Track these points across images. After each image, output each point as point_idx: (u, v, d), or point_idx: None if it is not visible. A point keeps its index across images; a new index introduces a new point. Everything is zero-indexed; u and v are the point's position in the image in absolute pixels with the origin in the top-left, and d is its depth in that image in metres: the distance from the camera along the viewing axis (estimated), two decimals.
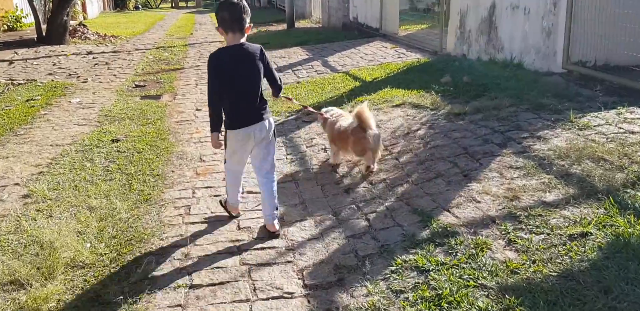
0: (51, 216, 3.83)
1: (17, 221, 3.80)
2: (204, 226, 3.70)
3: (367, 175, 4.23)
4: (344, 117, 4.43)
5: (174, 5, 43.29)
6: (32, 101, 7.55)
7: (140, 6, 37.29)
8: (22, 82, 8.92)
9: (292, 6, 17.18)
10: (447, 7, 9.42)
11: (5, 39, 13.56)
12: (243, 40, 3.31)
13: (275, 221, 3.50)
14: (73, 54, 12.14)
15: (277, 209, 3.53)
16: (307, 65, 9.62)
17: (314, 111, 4.64)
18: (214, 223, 3.75)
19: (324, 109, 4.77)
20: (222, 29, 3.27)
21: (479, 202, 3.45)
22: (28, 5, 15.63)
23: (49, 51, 12.39)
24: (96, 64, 10.87)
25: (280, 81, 3.53)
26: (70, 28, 14.65)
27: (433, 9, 15.18)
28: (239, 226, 3.70)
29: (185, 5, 44.32)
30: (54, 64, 10.79)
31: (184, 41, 14.98)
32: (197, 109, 7.09)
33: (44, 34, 13.29)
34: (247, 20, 3.29)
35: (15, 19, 15.40)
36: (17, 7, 15.79)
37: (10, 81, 8.98)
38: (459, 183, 3.77)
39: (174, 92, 8.22)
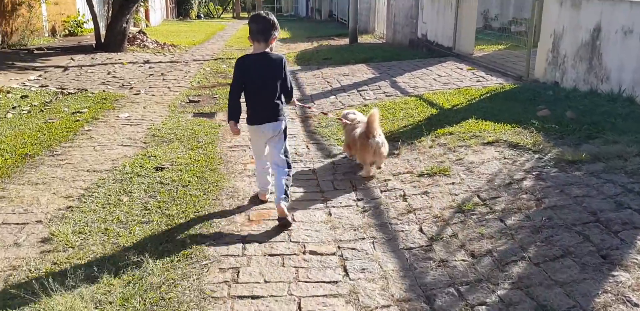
0: (66, 276, 3.03)
1: (27, 279, 3.03)
2: (253, 307, 2.83)
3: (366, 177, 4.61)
4: (361, 124, 4.63)
5: (235, 15, 43.39)
6: (78, 114, 6.93)
7: (202, 15, 37.41)
8: (72, 91, 8.38)
9: (356, 21, 16.38)
10: (536, 28, 8.37)
11: (64, 44, 13.26)
12: (267, 49, 3.72)
13: (283, 204, 3.74)
14: (129, 62, 11.66)
15: (286, 195, 3.81)
16: (373, 85, 8.73)
17: (334, 117, 5.11)
18: (267, 301, 2.87)
19: (344, 112, 5.07)
20: (250, 39, 3.75)
21: (636, 305, 2.45)
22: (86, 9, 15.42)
23: (106, 59, 11.96)
24: (151, 74, 10.30)
25: (291, 90, 3.91)
26: (130, 35, 14.28)
27: (509, 28, 14.10)
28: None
29: (246, 15, 44.37)
30: (109, 73, 10.28)
31: (243, 53, 14.30)
32: None
33: (102, 40, 12.91)
34: (274, 33, 3.69)
35: (77, 24, 15.17)
36: (79, 12, 15.58)
37: (60, 90, 8.45)
38: (598, 268, 2.78)
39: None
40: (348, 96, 8.17)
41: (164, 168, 4.89)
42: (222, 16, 44.52)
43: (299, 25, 27.09)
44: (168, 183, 4.53)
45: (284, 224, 3.72)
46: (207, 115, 7.24)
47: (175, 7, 33.48)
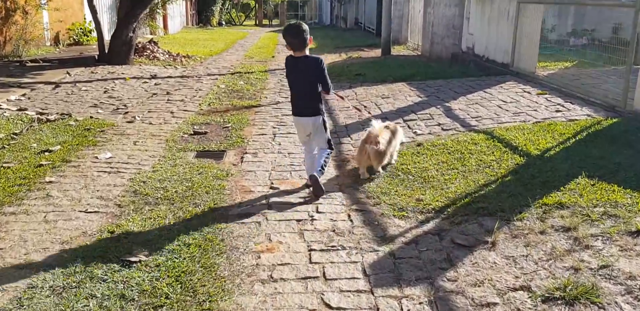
0: None
1: None
2: None
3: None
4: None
5: (257, 22, 41.89)
6: (45, 155, 5.24)
7: (223, 22, 35.91)
8: (53, 117, 6.72)
9: (389, 31, 14.60)
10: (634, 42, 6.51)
11: (64, 55, 11.68)
12: (307, 52, 4.24)
13: (316, 174, 4.24)
14: (133, 77, 10.01)
15: (321, 168, 4.37)
16: (423, 113, 6.92)
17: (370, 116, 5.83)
18: None
19: (385, 123, 5.06)
20: (289, 48, 4.24)
21: None
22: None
23: (107, 73, 10.32)
24: (155, 93, 8.61)
25: (330, 86, 4.37)
26: (139, 45, 12.68)
27: (567, 41, 12.19)
28: None
29: (269, 23, 42.86)
30: (105, 91, 8.62)
31: (264, 66, 12.66)
32: (271, 187, 4.54)
33: (106, 51, 11.30)
34: (307, 36, 4.14)
35: (83, 32, 13.62)
36: (85, 18, 14.02)
37: (39, 115, 6.80)
38: None
39: (242, 148, 5.73)
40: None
41: (133, 263, 3.14)
42: (244, 23, 43.04)
43: (324, 34, 25.34)
44: (134, 299, 2.78)
45: (315, 192, 4.26)
46: (214, 154, 5.51)
47: (196, 14, 32.02)
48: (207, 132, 6.34)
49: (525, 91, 7.66)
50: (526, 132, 5.62)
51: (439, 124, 6.36)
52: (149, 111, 7.37)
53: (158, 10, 19.17)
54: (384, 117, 6.88)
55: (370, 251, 3.32)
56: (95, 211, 3.94)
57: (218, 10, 34.27)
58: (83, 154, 5.33)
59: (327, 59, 14.13)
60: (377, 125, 4.78)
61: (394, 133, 4.91)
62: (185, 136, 6.19)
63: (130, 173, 4.81)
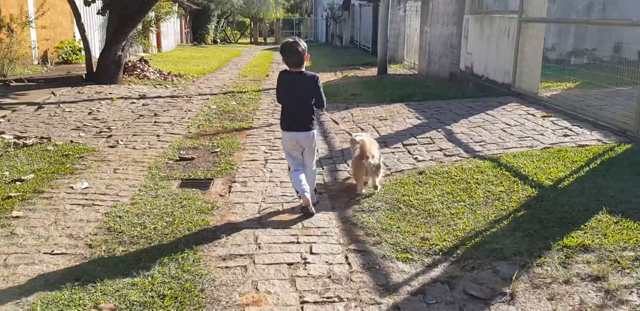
0: None
1: None
2: None
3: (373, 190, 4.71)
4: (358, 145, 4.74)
5: (252, 40, 41.80)
6: (17, 185, 4.82)
7: (218, 40, 35.76)
8: (31, 141, 6.30)
9: (386, 50, 14.33)
10: None
11: (51, 74, 11.30)
12: (303, 68, 4.21)
13: (309, 196, 4.23)
14: (121, 97, 9.63)
15: (315, 192, 4.49)
16: (423, 137, 6.55)
17: (349, 133, 5.24)
18: None
19: (354, 134, 5.13)
20: (286, 64, 4.20)
21: None
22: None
23: (94, 93, 9.94)
24: (142, 115, 8.22)
25: (324, 102, 4.35)
26: (129, 64, 12.32)
27: (568, 60, 11.92)
28: None
29: (264, 41, 42.77)
30: (90, 113, 8.23)
31: (258, 85, 12.31)
32: (261, 222, 4.12)
33: (94, 70, 10.93)
34: (304, 53, 4.13)
35: (72, 51, 13.27)
36: (75, 36, 13.69)
37: (16, 139, 6.38)
38: None
39: (231, 175, 5.33)
40: (392, 153, 5.99)
41: None
42: (239, 41, 42.95)
43: (319, 52, 25.17)
44: None
45: (306, 213, 4.21)
46: (200, 183, 5.10)
47: (191, 32, 31.85)
48: (194, 158, 5.93)
49: (529, 114, 7.31)
50: (535, 160, 5.24)
51: (441, 149, 5.98)
52: (133, 134, 6.96)
53: (151, 28, 18.92)
54: (382, 141, 6.50)
55: (372, 304, 2.89)
56: (62, 253, 3.51)
57: (213, 28, 34.14)
58: (58, 183, 4.91)
59: (323, 77, 13.77)
60: (365, 138, 4.83)
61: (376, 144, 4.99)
62: (171, 162, 5.78)
63: (106, 205, 4.39)
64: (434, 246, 3.55)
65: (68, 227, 3.93)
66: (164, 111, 8.67)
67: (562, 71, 10.18)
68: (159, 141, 6.69)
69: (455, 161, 5.54)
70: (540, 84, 8.64)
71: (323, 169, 5.61)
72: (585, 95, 8.37)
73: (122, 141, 6.59)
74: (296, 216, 4.24)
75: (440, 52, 13.06)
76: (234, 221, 4.12)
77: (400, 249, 3.53)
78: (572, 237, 3.44)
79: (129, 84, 11.14)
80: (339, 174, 5.41)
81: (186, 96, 10.25)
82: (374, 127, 7.34)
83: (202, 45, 30.73)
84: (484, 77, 10.35)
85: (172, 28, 26.07)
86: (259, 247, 3.64)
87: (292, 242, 3.72)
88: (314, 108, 4.30)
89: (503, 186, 4.59)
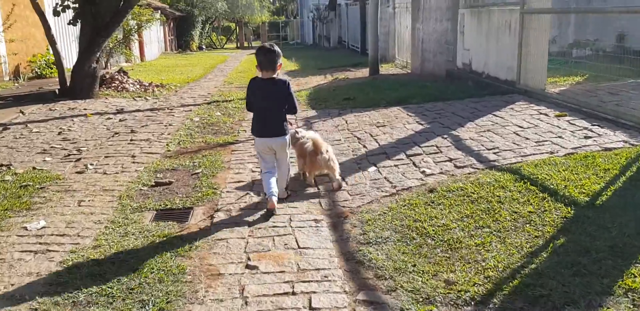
0: None
1: None
2: None
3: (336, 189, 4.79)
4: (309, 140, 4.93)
5: (238, 45, 41.06)
6: None
7: (204, 47, 34.98)
8: None
9: (377, 49, 13.64)
10: None
11: (21, 90, 10.54)
12: (274, 75, 4.21)
13: (275, 200, 4.30)
14: (96, 113, 8.89)
15: (287, 187, 4.63)
16: (428, 145, 5.85)
17: (295, 131, 5.14)
18: None
19: (298, 129, 5.30)
20: (259, 68, 4.23)
21: None
22: (60, 46, 12.81)
23: (67, 109, 9.20)
24: (117, 133, 7.48)
25: (296, 108, 4.35)
26: (107, 76, 11.58)
27: (570, 52, 11.26)
28: None
29: (249, 45, 41.99)
30: (60, 133, 7.49)
31: (244, 92, 11.55)
32: (248, 265, 3.40)
33: (68, 85, 10.18)
34: (279, 60, 4.18)
35: (46, 64, 12.51)
36: (49, 49, 12.91)
37: None
38: None
39: (214, 202, 4.62)
40: (395, 166, 5.29)
41: None
42: (225, 46, 42.18)
43: (307, 54, 24.47)
44: None
45: (269, 215, 4.24)
46: (178, 214, 4.38)
47: (175, 39, 31.07)
48: (172, 182, 5.21)
49: (541, 113, 6.62)
50: (561, 169, 4.55)
51: (450, 160, 5.28)
52: (106, 156, 6.23)
53: (132, 38, 18.18)
54: (382, 152, 5.80)
55: None
56: None
57: (198, 34, 33.38)
58: (10, 223, 4.18)
59: (312, 81, 13.12)
60: (314, 134, 5.00)
61: None
62: (145, 188, 5.05)
63: (63, 251, 3.66)
64: (462, 292, 2.85)
65: (12, 285, 3.21)
66: (142, 126, 7.94)
67: (565, 64, 9.51)
68: (133, 162, 5.96)
69: (469, 173, 4.85)
70: (547, 80, 7.97)
71: (319, 189, 4.90)
72: (597, 90, 7.70)
73: (91, 165, 5.85)
74: (291, 253, 3.53)
75: (434, 50, 12.38)
76: (216, 266, 3.40)
77: (421, 299, 2.83)
78: (635, 275, 2.75)
79: (106, 98, 10.38)
80: (337, 196, 4.70)
81: (167, 108, 9.52)
82: (371, 135, 6.63)
83: (187, 52, 29.97)
84: (484, 74, 9.67)
85: (155, 36, 25.31)
86: (246, 302, 2.93)
87: (287, 293, 3.02)
88: (286, 114, 4.34)
89: (531, 204, 3.90)
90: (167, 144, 6.75)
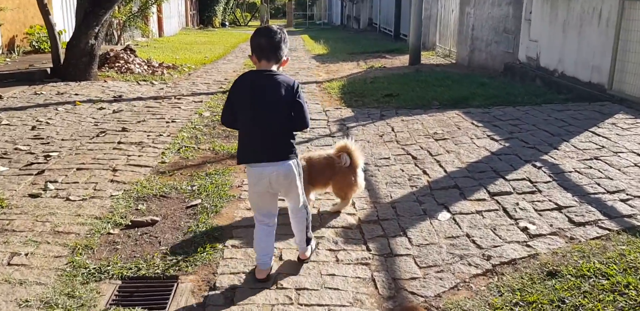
0: None
1: None
2: None
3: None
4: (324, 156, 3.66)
5: (263, 22, 39.08)
6: None
7: (227, 23, 33.10)
8: None
9: (420, 35, 11.76)
10: None
11: (9, 68, 8.93)
12: (275, 67, 2.69)
13: (307, 248, 2.98)
14: (88, 101, 7.27)
15: (307, 239, 2.96)
16: (516, 177, 4.13)
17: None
18: None
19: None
20: (255, 57, 2.69)
21: None
22: (64, 18, 11.18)
23: (55, 94, 7.59)
24: (104, 131, 5.85)
25: (306, 123, 2.75)
26: (111, 54, 9.93)
27: None
28: None
29: (276, 22, 39.94)
30: (35, 127, 5.89)
31: None
32: None
33: (62, 63, 8.56)
34: (285, 49, 2.70)
35: (46, 38, 10.85)
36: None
37: None
38: None
39: (210, 268, 2.98)
40: (478, 213, 3.59)
41: None
42: (249, 24, 40.24)
43: (335, 36, 22.55)
44: None
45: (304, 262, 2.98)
46: (152, 294, 2.76)
47: (197, 14, 29.23)
48: (156, 222, 3.57)
49: None
50: None
51: (559, 208, 3.57)
52: (78, 168, 4.60)
53: (150, 11, 16.50)
54: (452, 185, 4.09)
55: None
56: None
57: (221, 10, 31.49)
58: None
59: (344, 69, 11.34)
60: (351, 143, 3.62)
61: None
62: (116, 232, 3.43)
63: None
64: None
65: None
66: (139, 122, 6.29)
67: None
68: (112, 181, 4.32)
69: (599, 238, 3.14)
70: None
71: (368, 249, 3.23)
72: None
73: (54, 183, 4.23)
74: None
75: (488, 38, 10.51)
76: None
77: None
78: None
79: (105, 81, 8.74)
80: (399, 264, 3.03)
81: (174, 97, 7.86)
82: (430, 153, 4.92)
83: (209, 28, 28.16)
84: (557, 72, 7.83)
85: (175, 9, 23.54)
86: None
87: None
88: (291, 129, 2.76)
89: None
90: (163, 152, 5.09)
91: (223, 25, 31.82)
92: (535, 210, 3.58)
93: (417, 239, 3.28)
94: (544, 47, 8.27)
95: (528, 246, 3.13)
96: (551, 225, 3.36)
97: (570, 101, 6.65)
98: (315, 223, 3.49)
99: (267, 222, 2.85)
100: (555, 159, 4.48)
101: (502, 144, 5.03)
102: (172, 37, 21.15)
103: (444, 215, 3.59)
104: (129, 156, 4.97)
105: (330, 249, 3.19)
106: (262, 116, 2.67)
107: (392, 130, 5.84)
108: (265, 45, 2.66)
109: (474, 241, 3.22)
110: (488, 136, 5.33)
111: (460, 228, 3.40)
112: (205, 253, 3.13)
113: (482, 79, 8.55)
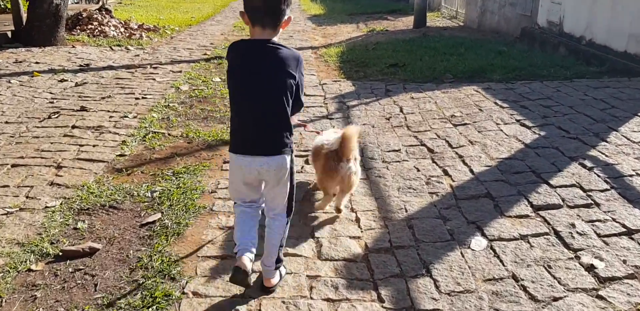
0: None
1: None
2: None
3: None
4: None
5: None
6: None
7: None
8: None
9: None
10: None
11: None
12: (275, 39, 2.08)
13: (276, 273, 2.32)
14: (48, 71, 6.19)
15: (278, 261, 2.30)
16: (563, 183, 3.19)
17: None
18: None
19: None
20: (248, 18, 2.06)
21: None
22: None
23: (13, 62, 6.49)
24: (58, 111, 4.82)
25: (302, 103, 2.20)
26: (83, 15, 8.73)
27: None
28: None
29: None
30: None
31: None
32: None
33: (24, 26, 7.40)
34: (287, 11, 2.07)
35: None
36: None
37: None
38: None
39: None
40: (523, 239, 2.67)
41: None
42: None
43: None
44: None
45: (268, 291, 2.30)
46: None
47: None
48: (96, 251, 2.64)
49: None
50: None
51: (629, 233, 2.66)
52: (14, 164, 3.62)
53: None
54: (483, 193, 3.15)
55: None
56: None
57: None
58: None
59: (342, 32, 10.18)
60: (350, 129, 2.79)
61: None
62: (38, 269, 2.49)
63: None
64: None
65: None
66: (103, 98, 5.26)
67: None
68: (52, 184, 3.36)
69: None
70: None
71: (372, 274, 2.32)
72: None
73: None
74: None
75: None
76: None
77: None
78: None
79: (74, 46, 7.60)
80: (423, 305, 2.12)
81: (150, 66, 6.79)
82: (449, 144, 3.96)
83: None
84: (584, 39, 6.75)
85: None
86: None
87: None
88: (289, 116, 2.14)
89: None
90: (124, 141, 4.10)
91: None
92: (598, 235, 2.66)
93: (446, 283, 2.37)
94: (568, 11, 7.15)
95: (600, 298, 2.22)
96: (624, 261, 2.44)
97: (605, 74, 5.63)
98: (307, 243, 2.57)
99: (245, 202, 2.29)
100: (607, 155, 3.52)
101: (536, 132, 4.06)
102: None
103: (478, 242, 2.67)
104: (81, 146, 3.98)
105: (328, 299, 2.28)
106: (257, 103, 2.09)
107: (401, 111, 4.84)
108: (261, 6, 2.04)
109: (524, 288, 2.30)
110: (517, 120, 4.34)
111: (503, 264, 2.48)
112: (154, 307, 2.21)
113: (499, 47, 7.45)
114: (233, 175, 2.23)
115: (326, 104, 5.18)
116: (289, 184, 2.24)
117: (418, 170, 3.54)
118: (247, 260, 2.13)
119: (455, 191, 3.21)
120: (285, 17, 2.08)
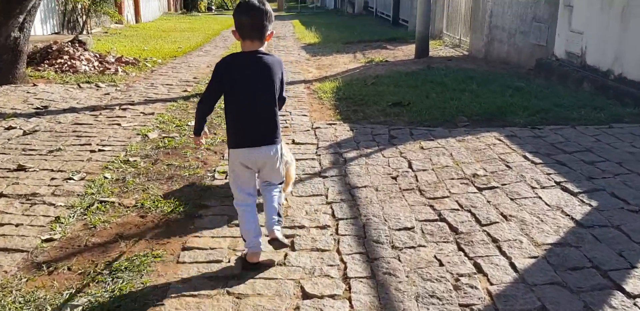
0: None
1: None
2: None
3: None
4: None
5: None
6: None
7: (213, 8, 30.78)
8: None
9: (428, 22, 9.79)
10: None
11: None
12: (262, 49, 2.57)
13: (279, 226, 2.65)
14: None
15: (279, 216, 2.66)
16: None
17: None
18: None
19: None
20: (238, 34, 2.56)
21: None
22: None
23: None
24: None
25: (285, 99, 2.72)
26: (53, 48, 7.92)
27: None
28: None
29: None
30: None
31: None
32: None
33: None
34: (270, 27, 2.56)
35: None
36: None
37: None
38: None
39: None
40: None
41: None
42: None
43: (328, 22, 20.42)
44: None
45: (277, 246, 2.62)
46: None
47: None
48: None
49: None
50: None
51: None
52: None
53: None
54: (538, 308, 2.23)
55: None
56: None
57: None
58: None
59: (338, 63, 9.40)
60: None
61: None
62: None
63: None
64: None
65: None
66: (51, 152, 4.38)
67: None
68: None
69: None
70: None
71: None
72: None
73: None
74: None
75: (511, 27, 8.57)
76: None
77: None
78: None
79: (35, 84, 6.76)
80: None
81: (119, 107, 5.93)
82: (478, 221, 3.07)
83: (193, 13, 25.89)
84: (612, 74, 5.94)
85: None
86: None
87: None
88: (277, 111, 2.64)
89: None
90: (57, 218, 3.19)
91: (209, 9, 29.50)
92: None
93: None
94: (592, 41, 6.36)
95: None
96: None
97: (634, 114, 4.79)
98: None
99: (247, 199, 2.64)
100: None
101: (584, 201, 3.17)
102: (151, 23, 19.03)
103: None
104: (0, 225, 3.07)
105: None
106: (256, 102, 2.56)
107: (410, 167, 3.96)
108: (248, 25, 2.52)
109: None
110: (557, 183, 3.46)
111: None
112: None
113: (514, 81, 6.63)
114: (237, 167, 2.58)
115: (319, 156, 4.31)
116: (282, 167, 2.71)
117: (441, 264, 2.63)
118: (258, 254, 2.54)
119: (497, 303, 2.29)
120: (269, 32, 2.53)
